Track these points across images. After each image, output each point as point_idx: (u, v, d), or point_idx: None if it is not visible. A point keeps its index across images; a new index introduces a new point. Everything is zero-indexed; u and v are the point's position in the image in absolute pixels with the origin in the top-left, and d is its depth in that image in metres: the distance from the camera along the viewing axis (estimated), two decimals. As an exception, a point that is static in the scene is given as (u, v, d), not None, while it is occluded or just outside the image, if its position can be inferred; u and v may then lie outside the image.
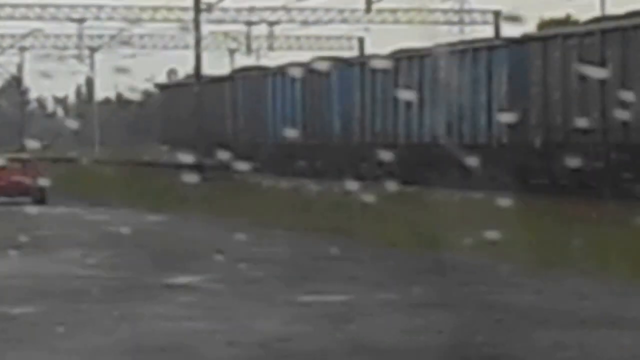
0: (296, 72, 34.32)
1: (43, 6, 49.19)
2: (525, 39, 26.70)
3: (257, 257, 14.13)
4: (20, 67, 63.89)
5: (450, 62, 28.17)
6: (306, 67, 35.21)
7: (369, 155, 28.45)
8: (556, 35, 25.65)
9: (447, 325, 8.31)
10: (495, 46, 28.17)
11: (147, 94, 55.85)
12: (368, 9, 38.74)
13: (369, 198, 17.58)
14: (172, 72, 64.42)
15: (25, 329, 8.53)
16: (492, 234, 12.06)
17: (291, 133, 33.65)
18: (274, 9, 44.01)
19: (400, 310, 9.66)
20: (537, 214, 17.05)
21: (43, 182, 26.96)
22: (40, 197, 27.52)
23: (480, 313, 9.28)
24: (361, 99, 31.97)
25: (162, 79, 62.75)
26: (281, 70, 37.27)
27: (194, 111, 35.05)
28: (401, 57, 30.99)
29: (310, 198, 22.94)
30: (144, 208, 23.76)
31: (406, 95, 28.57)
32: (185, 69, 45.53)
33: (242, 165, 25.29)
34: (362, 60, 35.86)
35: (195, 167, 28.07)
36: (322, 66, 33.74)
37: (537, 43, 25.48)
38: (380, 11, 43.43)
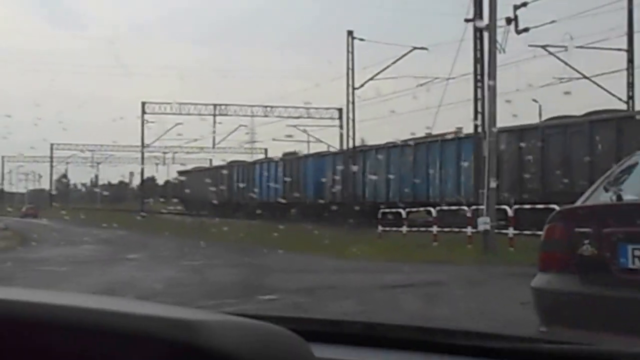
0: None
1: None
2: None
3: (164, 246, 22.47)
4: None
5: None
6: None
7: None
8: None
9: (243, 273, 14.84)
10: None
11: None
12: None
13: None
14: (131, 174, 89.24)
15: (65, 275, 14.96)
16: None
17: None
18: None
19: (224, 266, 16.44)
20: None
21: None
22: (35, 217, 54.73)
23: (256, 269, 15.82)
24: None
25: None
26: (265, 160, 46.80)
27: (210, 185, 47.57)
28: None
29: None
30: (118, 228, 32.76)
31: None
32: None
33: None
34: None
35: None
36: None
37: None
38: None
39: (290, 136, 46.43)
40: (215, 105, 47.29)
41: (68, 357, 0.93)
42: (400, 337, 1.37)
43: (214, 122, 47.32)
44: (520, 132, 25.91)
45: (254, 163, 48.13)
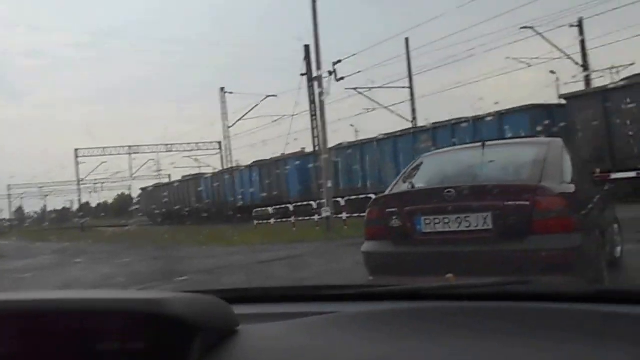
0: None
1: None
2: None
3: (101, 252, 19.05)
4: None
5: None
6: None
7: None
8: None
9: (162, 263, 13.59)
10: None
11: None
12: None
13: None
14: (71, 201, 75.50)
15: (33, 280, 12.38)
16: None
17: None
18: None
19: (147, 260, 14.47)
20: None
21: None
22: None
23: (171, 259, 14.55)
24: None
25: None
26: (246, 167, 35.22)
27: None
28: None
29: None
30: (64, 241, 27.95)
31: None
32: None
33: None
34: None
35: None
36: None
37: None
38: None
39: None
40: (129, 147, 46.34)
41: (80, 334, 0.96)
42: (284, 295, 1.45)
43: (130, 159, 46.44)
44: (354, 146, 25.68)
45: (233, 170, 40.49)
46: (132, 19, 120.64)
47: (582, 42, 26.42)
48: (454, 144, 16.78)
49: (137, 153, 46.64)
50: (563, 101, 18.39)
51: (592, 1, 39.95)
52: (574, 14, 26.61)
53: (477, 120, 19.78)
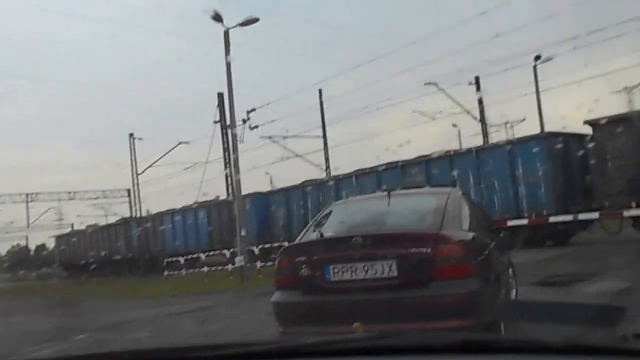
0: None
1: None
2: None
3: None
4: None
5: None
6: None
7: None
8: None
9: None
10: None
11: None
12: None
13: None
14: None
15: None
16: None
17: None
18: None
19: (45, 317, 13.69)
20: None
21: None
22: None
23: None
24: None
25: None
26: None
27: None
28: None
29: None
30: None
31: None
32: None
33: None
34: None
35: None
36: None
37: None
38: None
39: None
40: (27, 194, 43.91)
41: None
42: (154, 357, 1.36)
43: (27, 207, 43.82)
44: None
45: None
46: (36, 57, 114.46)
47: (480, 99, 28.13)
48: (453, 177, 17.04)
49: (35, 201, 44.28)
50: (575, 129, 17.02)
51: (487, 60, 42.90)
52: (473, 72, 28.33)
53: (480, 150, 18.45)
